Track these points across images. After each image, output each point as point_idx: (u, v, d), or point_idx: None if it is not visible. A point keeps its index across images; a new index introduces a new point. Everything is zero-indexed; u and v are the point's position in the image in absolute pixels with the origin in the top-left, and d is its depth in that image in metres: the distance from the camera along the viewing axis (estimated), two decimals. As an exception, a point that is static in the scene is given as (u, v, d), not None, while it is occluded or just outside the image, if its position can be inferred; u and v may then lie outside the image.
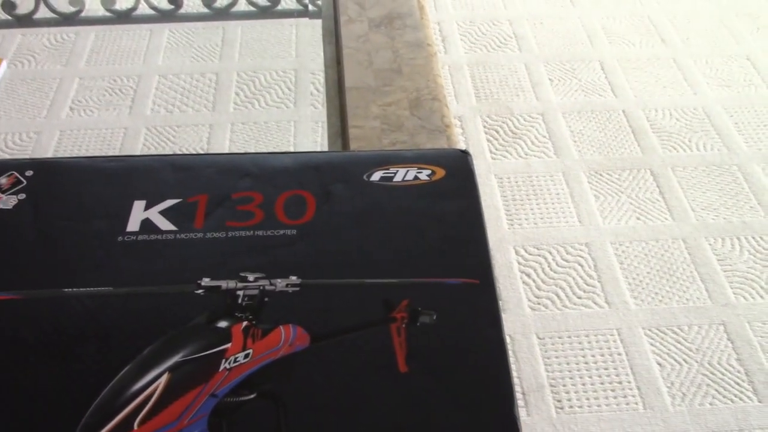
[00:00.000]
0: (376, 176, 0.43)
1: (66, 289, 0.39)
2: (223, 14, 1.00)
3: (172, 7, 1.01)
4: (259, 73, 1.26)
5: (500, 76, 1.26)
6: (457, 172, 0.42)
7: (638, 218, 1.04)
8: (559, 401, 0.82)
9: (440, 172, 0.43)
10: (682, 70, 1.30)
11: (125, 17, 1.00)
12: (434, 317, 0.34)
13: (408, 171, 0.44)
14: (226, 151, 1.12)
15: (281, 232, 0.41)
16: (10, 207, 0.41)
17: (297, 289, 0.38)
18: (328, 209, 0.40)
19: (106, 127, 1.18)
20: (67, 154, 1.16)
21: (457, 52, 1.30)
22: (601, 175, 1.10)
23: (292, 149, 1.06)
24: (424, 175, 0.43)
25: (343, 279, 0.38)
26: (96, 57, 1.31)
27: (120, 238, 0.41)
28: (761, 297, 0.95)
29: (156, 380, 0.36)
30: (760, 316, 0.93)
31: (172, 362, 0.36)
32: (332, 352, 0.33)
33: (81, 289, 0.40)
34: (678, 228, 1.03)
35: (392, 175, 0.44)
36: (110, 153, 1.14)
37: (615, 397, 0.84)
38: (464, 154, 0.42)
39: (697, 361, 0.88)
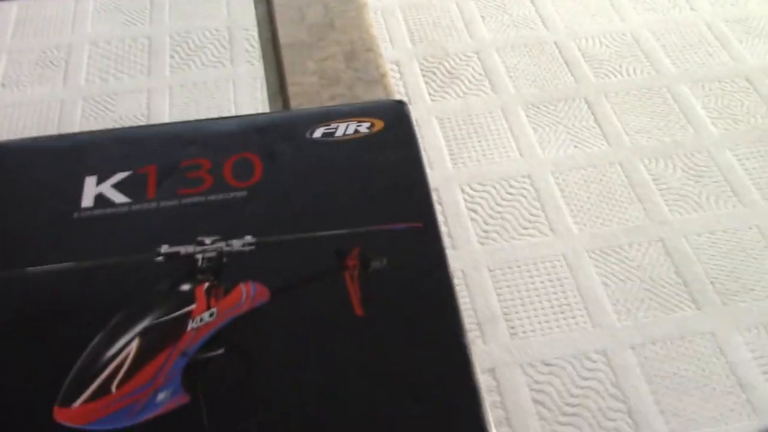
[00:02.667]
0: (318, 133, 0.45)
1: (28, 268, 0.40)
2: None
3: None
4: (192, 34, 1.25)
5: (433, 17, 1.27)
6: (395, 122, 0.44)
7: (576, 146, 1.08)
8: (513, 328, 0.87)
9: (379, 124, 0.45)
10: (609, -3, 1.33)
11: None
12: (384, 262, 0.37)
13: (348, 125, 0.46)
14: (167, 116, 1.12)
15: (232, 194, 0.43)
16: (-40, 193, 0.41)
17: (253, 247, 0.40)
18: (275, 169, 0.42)
19: (41, 101, 1.16)
20: (4, 132, 1.15)
21: (389, -3, 1.30)
22: (538, 107, 1.14)
23: (233, 108, 1.06)
24: (363, 127, 0.45)
25: (295, 234, 0.40)
26: (22, 29, 1.28)
27: (76, 215, 0.42)
28: (695, 211, 1.01)
29: (127, 346, 0.38)
30: (694, 229, 0.98)
31: (141, 327, 0.39)
32: (292, 303, 0.36)
33: (43, 267, 0.41)
34: (614, 153, 1.07)
35: (333, 130, 0.46)
36: (49, 127, 1.13)
37: (565, 319, 0.88)
38: (401, 104, 0.44)
39: (639, 278, 0.93)
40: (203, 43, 1.22)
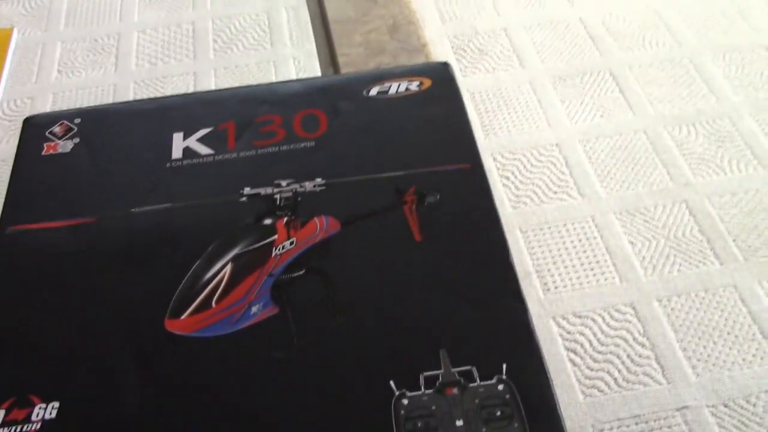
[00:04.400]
0: (374, 91, 0.51)
1: (133, 209, 0.47)
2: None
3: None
4: (234, 19, 1.32)
5: (462, -3, 1.33)
6: (442, 80, 0.50)
7: (602, 116, 1.13)
8: (545, 284, 0.93)
9: (427, 82, 0.51)
10: (632, -27, 1.37)
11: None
12: (438, 197, 0.43)
13: (400, 84, 0.52)
14: (214, 96, 1.18)
15: (302, 144, 0.49)
16: (68, 150, 0.48)
17: (323, 188, 0.47)
18: (338, 122, 0.48)
19: (96, 86, 1.24)
20: (60, 116, 1.22)
21: (419, -21, 1.36)
22: (565, 80, 1.19)
23: (275, 87, 1.13)
24: (414, 86, 0.51)
25: (359, 176, 0.46)
26: (73, 20, 1.36)
27: (168, 165, 0.49)
28: (717, 174, 1.06)
29: (223, 269, 0.45)
30: (717, 191, 1.03)
31: (233, 254, 0.45)
32: (361, 232, 0.42)
33: (146, 207, 0.48)
34: (638, 121, 1.12)
35: (387, 88, 0.52)
36: (104, 110, 1.20)
37: (594, 275, 0.94)
38: (445, 65, 0.49)
39: (664, 236, 0.98)
40: (244, 28, 1.29)
